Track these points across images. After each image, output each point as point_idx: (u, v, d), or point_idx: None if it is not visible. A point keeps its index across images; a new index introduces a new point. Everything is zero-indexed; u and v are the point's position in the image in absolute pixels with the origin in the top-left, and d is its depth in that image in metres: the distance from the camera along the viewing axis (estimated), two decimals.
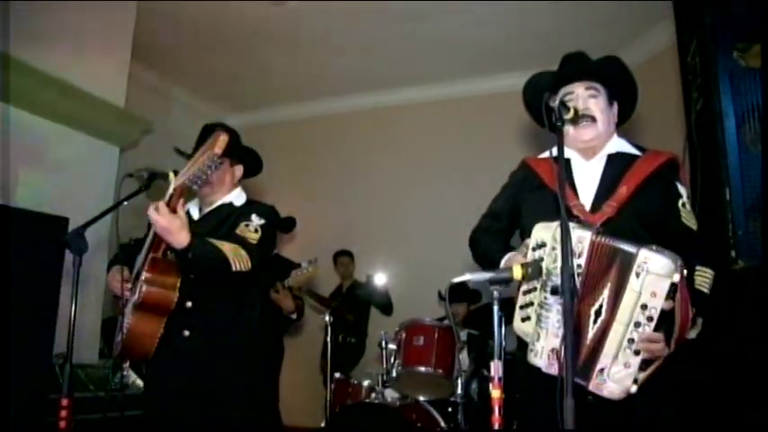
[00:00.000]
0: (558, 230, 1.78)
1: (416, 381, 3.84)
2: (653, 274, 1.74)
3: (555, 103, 1.91)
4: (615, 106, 2.27)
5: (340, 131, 7.57)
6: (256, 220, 2.59)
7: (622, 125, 2.33)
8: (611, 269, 1.82)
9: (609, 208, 2.04)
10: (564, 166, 1.85)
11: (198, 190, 2.54)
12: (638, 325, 1.77)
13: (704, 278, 1.99)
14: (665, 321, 1.78)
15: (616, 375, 1.79)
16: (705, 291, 1.98)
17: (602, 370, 1.80)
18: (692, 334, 1.91)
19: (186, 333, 2.50)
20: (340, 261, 6.56)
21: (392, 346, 3.95)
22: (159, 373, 2.57)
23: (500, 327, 1.85)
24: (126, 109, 5.23)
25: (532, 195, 2.23)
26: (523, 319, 1.99)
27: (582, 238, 1.84)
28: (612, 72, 2.25)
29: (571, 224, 1.79)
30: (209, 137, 2.63)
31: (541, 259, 1.91)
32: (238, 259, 2.39)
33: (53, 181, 4.51)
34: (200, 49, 6.37)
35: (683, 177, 2.20)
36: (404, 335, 3.86)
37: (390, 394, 4.01)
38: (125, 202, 2.60)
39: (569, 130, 2.15)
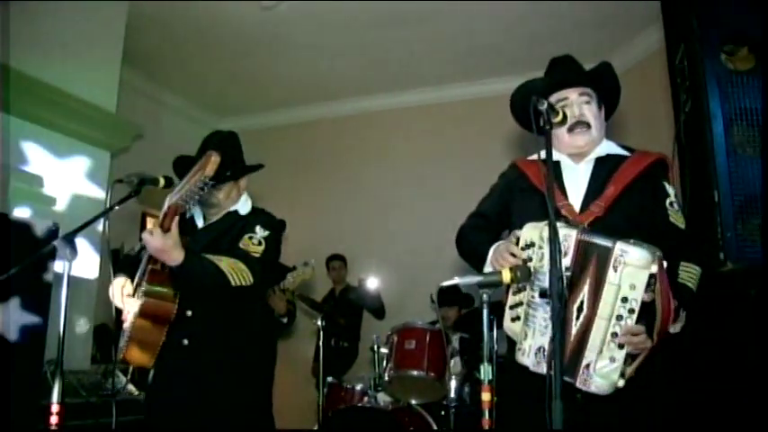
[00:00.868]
0: (546, 230, 1.81)
1: (409, 384, 3.84)
2: (630, 266, 1.76)
3: (543, 107, 1.92)
4: (602, 110, 2.29)
5: (331, 136, 7.56)
6: (260, 232, 2.59)
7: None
8: (589, 265, 1.84)
9: (596, 207, 2.06)
10: (552, 168, 1.86)
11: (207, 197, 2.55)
12: (620, 318, 1.78)
13: (689, 273, 2.00)
14: (647, 314, 1.79)
15: (602, 370, 1.80)
16: (690, 285, 1.98)
17: (587, 366, 1.81)
18: (676, 327, 1.92)
19: (186, 342, 2.51)
20: (332, 265, 6.56)
21: (384, 350, 3.96)
22: (159, 381, 2.59)
23: (490, 330, 1.86)
24: (117, 114, 5.21)
25: (522, 197, 2.24)
26: (513, 319, 2.01)
27: (567, 236, 1.86)
28: (606, 78, 2.28)
29: (558, 223, 1.80)
30: (211, 145, 2.65)
31: (530, 259, 1.92)
32: (237, 274, 2.40)
33: (43, 186, 4.49)
34: (192, 54, 6.36)
35: (672, 178, 2.22)
36: (396, 339, 3.87)
37: (383, 398, 4.01)
38: (116, 208, 2.60)
39: (563, 135, 2.17)
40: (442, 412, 3.88)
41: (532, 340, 1.91)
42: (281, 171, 7.50)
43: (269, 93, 7.30)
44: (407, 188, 7.00)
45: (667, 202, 2.11)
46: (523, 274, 1.84)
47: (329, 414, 4.01)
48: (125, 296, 2.59)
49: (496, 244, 2.10)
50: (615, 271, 1.78)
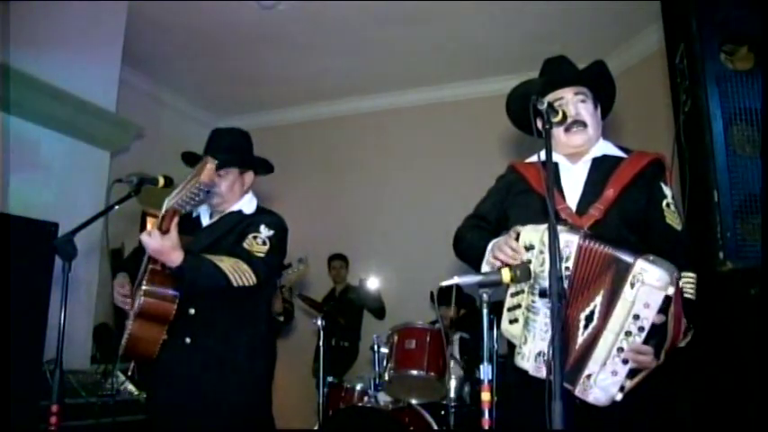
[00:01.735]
0: (546, 234, 1.80)
1: (409, 384, 3.84)
2: (648, 285, 1.74)
3: (543, 106, 1.92)
4: (599, 109, 2.30)
5: (331, 135, 7.56)
6: (265, 232, 2.58)
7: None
8: (604, 276, 1.81)
9: (596, 211, 2.05)
10: (548, 168, 1.86)
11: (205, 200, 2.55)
12: (628, 334, 1.77)
13: (690, 284, 1.99)
14: (656, 334, 1.78)
15: (603, 382, 1.80)
16: (692, 298, 1.98)
17: (589, 376, 1.81)
18: (682, 343, 1.92)
19: (188, 340, 2.50)
20: (333, 265, 6.57)
21: (384, 350, 3.96)
22: (161, 379, 2.58)
23: (490, 330, 1.86)
24: (116, 114, 5.21)
25: (520, 199, 2.24)
26: (511, 321, 2.00)
27: (569, 242, 1.84)
28: (600, 76, 2.28)
29: (559, 227, 1.79)
30: (215, 143, 2.65)
31: (530, 261, 1.91)
32: (239, 274, 2.39)
33: (43, 185, 4.49)
34: (192, 53, 6.36)
35: (670, 178, 2.21)
36: (396, 338, 3.87)
37: (383, 398, 4.01)
38: (115, 207, 2.60)
39: (560, 135, 2.17)
40: (442, 412, 3.88)
41: (532, 344, 1.90)
42: (281, 170, 7.46)
43: (268, 92, 7.30)
44: (409, 188, 7.00)
45: (664, 203, 2.10)
46: (523, 274, 1.83)
47: (329, 414, 4.01)
48: (122, 296, 2.60)
49: (495, 240, 2.09)
50: (632, 288, 1.76)
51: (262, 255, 2.51)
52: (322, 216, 7.30)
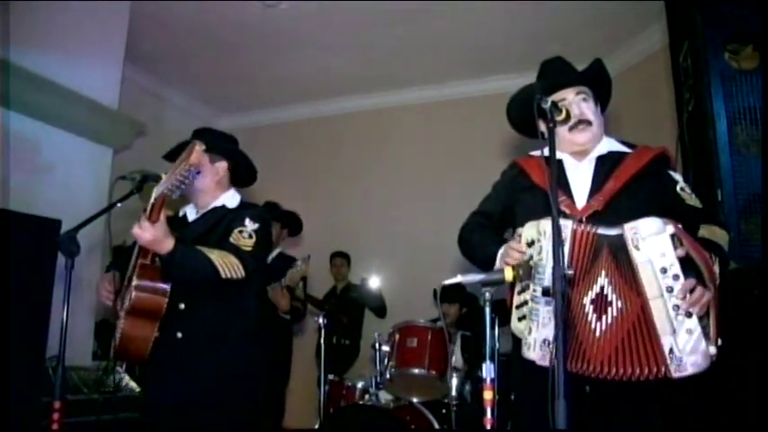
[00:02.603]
0: (543, 223, 1.84)
1: (410, 382, 3.84)
2: (649, 237, 1.76)
3: (546, 105, 1.92)
4: (599, 106, 2.31)
5: (333, 133, 7.56)
6: (250, 225, 2.58)
7: None
8: (601, 257, 1.83)
9: (596, 202, 2.06)
10: (556, 167, 1.86)
11: (187, 194, 2.55)
12: (670, 290, 1.76)
13: (711, 232, 1.99)
14: (688, 268, 1.77)
15: (687, 347, 1.75)
16: (715, 240, 1.96)
17: (671, 351, 1.76)
18: (717, 277, 1.86)
19: (179, 335, 2.50)
20: (334, 262, 6.57)
21: (386, 348, 3.95)
22: (155, 375, 2.59)
23: (492, 328, 1.86)
24: (119, 111, 5.21)
25: (524, 196, 2.25)
26: (520, 319, 2.00)
27: (563, 227, 1.84)
28: (598, 75, 2.30)
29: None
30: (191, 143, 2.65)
31: (531, 258, 1.91)
32: (227, 266, 2.41)
33: (45, 183, 4.49)
34: (194, 50, 6.36)
35: (674, 167, 2.22)
36: (397, 336, 3.86)
37: (384, 396, 4.01)
38: (118, 205, 2.60)
39: (564, 134, 2.18)
40: (444, 410, 3.88)
41: (537, 333, 1.89)
42: (284, 168, 7.51)
43: (271, 90, 7.30)
44: (410, 186, 6.99)
45: (678, 188, 2.11)
46: (525, 272, 1.84)
47: (330, 411, 4.01)
48: (107, 291, 2.60)
49: (502, 249, 2.09)
50: (639, 249, 1.77)
51: (249, 248, 2.52)
52: (323, 214, 7.29)
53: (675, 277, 1.75)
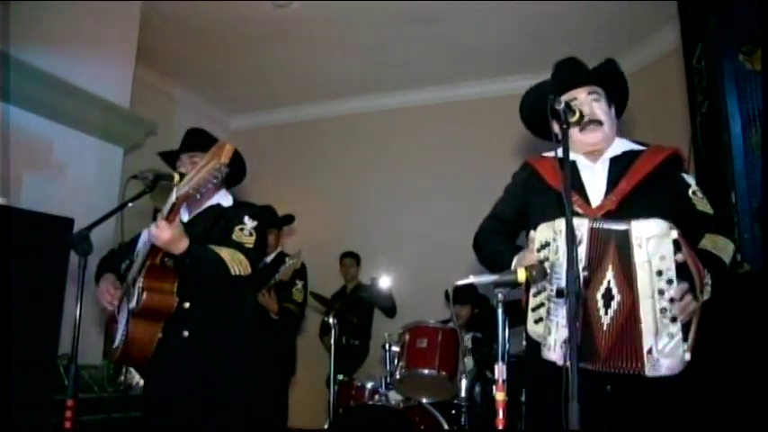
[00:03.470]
0: (557, 223, 1.85)
1: (420, 383, 3.83)
2: (653, 238, 1.77)
3: (560, 107, 1.91)
4: (613, 108, 2.29)
5: (343, 133, 7.56)
6: (250, 223, 2.61)
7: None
8: (609, 251, 1.84)
9: (609, 202, 2.06)
10: (570, 168, 1.85)
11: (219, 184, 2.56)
12: (662, 293, 1.77)
13: (713, 242, 2.00)
14: (683, 276, 1.79)
15: (666, 349, 1.78)
16: (715, 252, 1.97)
17: (650, 351, 1.78)
18: (705, 294, 1.88)
19: (186, 334, 2.52)
20: (344, 262, 6.57)
21: (395, 349, 3.95)
22: (160, 375, 2.59)
23: (504, 329, 1.85)
24: (130, 110, 5.23)
25: (538, 198, 2.23)
26: (536, 321, 1.99)
27: (579, 225, 1.85)
28: (612, 75, 2.28)
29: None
30: (190, 140, 2.67)
31: (546, 259, 1.91)
32: (236, 263, 2.44)
33: (58, 181, 4.52)
34: (205, 50, 6.37)
35: (688, 168, 2.21)
36: (407, 337, 3.86)
37: (394, 396, 4.01)
38: (129, 204, 2.61)
39: (575, 134, 2.17)
40: (453, 411, 3.87)
41: (557, 334, 1.88)
42: (294, 168, 7.53)
43: (282, 90, 7.31)
44: (420, 186, 6.98)
45: (690, 191, 2.11)
46: (539, 274, 1.83)
47: (340, 412, 4.01)
48: (111, 295, 2.61)
49: (518, 256, 2.09)
50: (641, 248, 1.79)
51: (251, 245, 2.56)
52: (333, 213, 7.31)
53: (669, 282, 1.77)
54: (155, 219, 2.33)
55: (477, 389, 4.13)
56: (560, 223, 1.87)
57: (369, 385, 4.11)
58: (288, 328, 4.84)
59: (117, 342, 2.53)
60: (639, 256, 1.79)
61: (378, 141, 7.38)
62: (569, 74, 2.29)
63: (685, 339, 1.79)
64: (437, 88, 7.10)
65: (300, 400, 5.60)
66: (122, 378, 4.21)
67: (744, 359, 2.49)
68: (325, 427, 4.10)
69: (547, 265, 1.89)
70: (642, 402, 1.87)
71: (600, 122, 2.18)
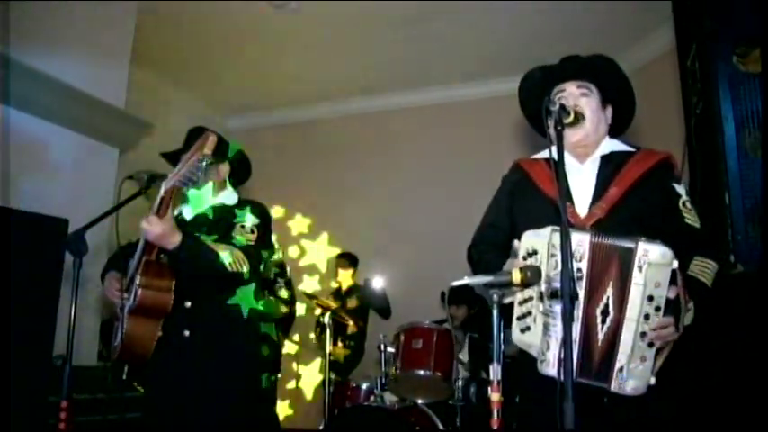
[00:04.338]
0: (555, 236, 1.80)
1: (415, 384, 3.83)
2: (655, 264, 1.76)
3: (554, 108, 1.90)
4: (609, 109, 2.24)
5: (339, 135, 7.56)
6: (251, 220, 2.61)
7: (623, 133, 2.29)
8: (611, 267, 1.82)
9: (599, 210, 2.02)
10: (560, 170, 1.83)
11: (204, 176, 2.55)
12: (647, 317, 1.78)
13: (702, 267, 1.99)
14: (672, 307, 1.80)
15: (635, 371, 1.79)
16: (702, 279, 1.97)
17: (621, 369, 1.80)
18: (686, 320, 1.89)
19: (187, 333, 2.51)
20: (339, 263, 6.56)
21: (391, 349, 3.95)
22: (161, 374, 2.57)
23: (499, 330, 1.85)
24: (125, 111, 5.22)
25: (525, 204, 2.19)
26: (523, 330, 1.96)
27: (581, 241, 1.83)
28: (604, 71, 2.21)
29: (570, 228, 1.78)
30: (195, 140, 2.66)
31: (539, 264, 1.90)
32: (234, 259, 2.42)
33: (53, 182, 4.51)
34: (201, 51, 6.37)
35: (679, 176, 2.18)
36: (402, 338, 3.86)
37: (389, 397, 4.01)
38: (125, 205, 2.61)
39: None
40: (449, 412, 3.87)
41: (556, 350, 1.84)
42: (290, 169, 7.52)
43: (278, 91, 7.30)
44: (415, 188, 6.99)
45: (680, 202, 2.07)
46: (534, 275, 1.81)
47: (335, 413, 4.01)
48: (116, 290, 2.60)
49: (507, 262, 2.04)
50: (640, 271, 1.77)
51: (251, 243, 2.55)
52: (327, 214, 7.31)
53: (657, 309, 1.78)
54: None
55: (473, 389, 4.13)
56: (550, 233, 1.86)
57: (364, 386, 4.12)
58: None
59: (116, 340, 2.52)
60: (637, 278, 1.78)
61: (374, 142, 7.39)
62: (561, 65, 2.24)
63: (653, 364, 1.80)
64: (436, 89, 7.11)
65: (297, 401, 5.61)
66: (123, 377, 4.18)
67: (739, 360, 2.50)
68: (321, 428, 4.10)
69: (543, 270, 1.87)
70: (638, 416, 1.87)
71: (581, 117, 2.08)
